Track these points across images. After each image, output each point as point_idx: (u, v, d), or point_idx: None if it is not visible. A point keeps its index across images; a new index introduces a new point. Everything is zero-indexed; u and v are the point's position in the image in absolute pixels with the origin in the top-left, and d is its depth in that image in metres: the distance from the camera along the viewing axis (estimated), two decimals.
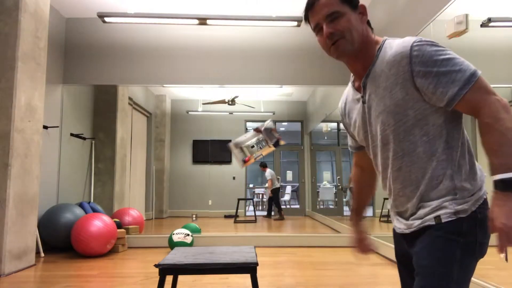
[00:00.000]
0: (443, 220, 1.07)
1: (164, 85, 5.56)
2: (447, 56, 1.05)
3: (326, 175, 6.98)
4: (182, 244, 4.71)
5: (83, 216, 4.56)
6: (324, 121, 6.65)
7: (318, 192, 6.93)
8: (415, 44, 1.07)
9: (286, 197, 6.98)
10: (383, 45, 1.15)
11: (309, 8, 1.18)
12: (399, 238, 1.26)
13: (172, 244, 4.72)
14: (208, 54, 5.55)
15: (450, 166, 1.10)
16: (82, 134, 5.68)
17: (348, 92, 1.32)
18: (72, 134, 5.50)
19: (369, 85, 1.17)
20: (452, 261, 1.05)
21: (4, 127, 3.72)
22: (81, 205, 5.03)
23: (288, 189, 6.96)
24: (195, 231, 5.28)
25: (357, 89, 1.24)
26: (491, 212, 1.01)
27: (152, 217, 6.40)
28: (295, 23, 4.60)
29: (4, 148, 3.70)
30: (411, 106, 1.09)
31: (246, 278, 3.48)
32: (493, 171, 1.01)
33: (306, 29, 5.57)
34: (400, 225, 1.21)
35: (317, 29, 1.18)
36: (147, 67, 5.50)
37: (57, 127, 5.23)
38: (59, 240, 4.61)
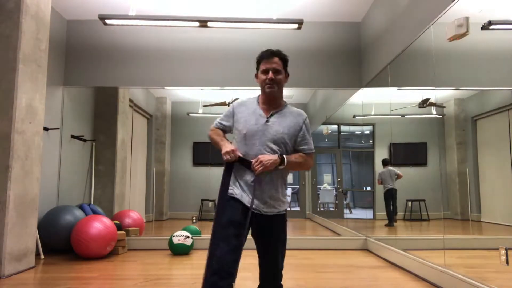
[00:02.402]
0: None
1: (165, 87, 5.57)
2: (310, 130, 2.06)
3: (327, 177, 6.98)
4: (182, 246, 4.71)
5: (83, 218, 4.56)
6: (324, 123, 6.65)
7: (319, 194, 6.93)
8: (306, 117, 2.05)
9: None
10: (286, 105, 2.05)
11: (265, 57, 1.95)
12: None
13: (172, 247, 4.71)
14: (208, 56, 5.55)
15: None
16: (83, 136, 5.69)
17: (251, 104, 2.03)
18: (72, 136, 5.51)
19: (276, 116, 1.98)
20: None
21: (4, 128, 3.72)
22: (81, 207, 5.02)
23: (289, 191, 6.96)
24: (195, 233, 5.27)
25: (263, 111, 1.99)
26: None
27: (152, 219, 6.39)
28: (296, 26, 4.60)
29: (5, 150, 3.70)
30: (290, 138, 1.99)
31: (246, 280, 3.47)
32: None
33: (307, 32, 5.57)
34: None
35: (264, 71, 1.95)
36: (148, 69, 5.50)
37: (58, 129, 5.24)
38: (59, 242, 4.61)
